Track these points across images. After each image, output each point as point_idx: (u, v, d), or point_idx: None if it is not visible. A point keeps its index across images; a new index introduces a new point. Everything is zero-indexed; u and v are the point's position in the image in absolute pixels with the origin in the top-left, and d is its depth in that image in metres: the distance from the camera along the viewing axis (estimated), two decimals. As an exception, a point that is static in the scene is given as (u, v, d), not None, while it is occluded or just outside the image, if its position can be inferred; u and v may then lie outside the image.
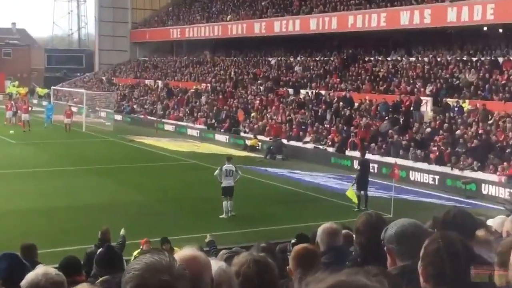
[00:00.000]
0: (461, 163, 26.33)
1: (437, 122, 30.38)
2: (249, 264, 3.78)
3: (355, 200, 21.14)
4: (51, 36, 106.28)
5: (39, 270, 3.79)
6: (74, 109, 56.13)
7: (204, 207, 21.37)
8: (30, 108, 47.30)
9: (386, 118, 33.19)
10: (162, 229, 16.67)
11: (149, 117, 51.23)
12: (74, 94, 64.18)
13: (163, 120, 49.49)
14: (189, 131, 44.97)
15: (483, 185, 24.24)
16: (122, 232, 13.29)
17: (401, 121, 32.35)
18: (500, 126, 27.83)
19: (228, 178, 20.26)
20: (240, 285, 3.66)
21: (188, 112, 48.87)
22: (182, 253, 3.07)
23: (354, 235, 4.51)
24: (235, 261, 3.87)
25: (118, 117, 53.28)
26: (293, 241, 6.38)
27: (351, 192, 21.24)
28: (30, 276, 3.73)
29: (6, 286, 4.52)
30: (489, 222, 11.65)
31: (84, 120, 47.59)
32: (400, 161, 27.14)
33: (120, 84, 66.36)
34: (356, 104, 36.74)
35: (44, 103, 66.71)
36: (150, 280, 2.15)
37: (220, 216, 19.99)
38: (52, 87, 63.27)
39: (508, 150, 25.58)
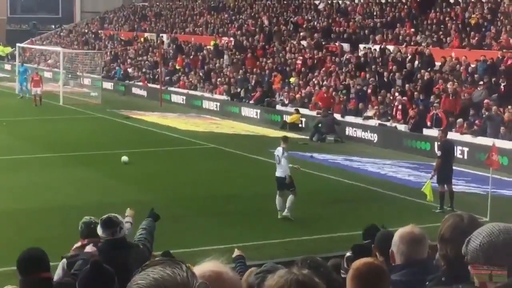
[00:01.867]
0: None
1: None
2: (289, 286, 3.92)
3: (431, 198, 21.18)
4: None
5: None
6: (47, 74, 56.78)
7: (231, 207, 21.49)
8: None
9: (481, 83, 33.00)
10: (181, 239, 16.98)
11: (150, 85, 51.45)
12: (47, 53, 64.79)
13: (170, 88, 49.66)
14: (206, 104, 45.18)
15: None
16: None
17: (502, 87, 32.14)
18: None
19: (278, 165, 20.58)
20: None
21: (204, 77, 49.01)
22: (203, 267, 3.25)
23: (438, 246, 4.57)
24: (270, 283, 4.00)
25: (108, 85, 53.71)
26: (348, 254, 6.46)
27: (429, 187, 21.25)
28: None
29: None
30: None
31: (62, 90, 47.93)
32: (500, 143, 27.05)
33: (110, 40, 66.61)
34: (438, 64, 36.53)
35: (7, 66, 67.49)
36: None
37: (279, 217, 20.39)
38: (18, 44, 63.79)
39: None
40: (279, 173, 20.53)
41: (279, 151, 20.72)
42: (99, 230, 8.18)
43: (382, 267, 4.32)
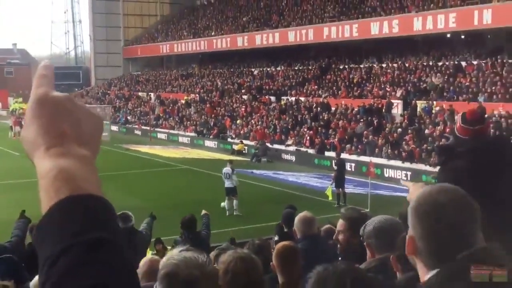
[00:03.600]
0: (431, 159, 26.47)
1: (407, 123, 30.55)
2: (236, 261, 3.77)
3: (333, 198, 21.22)
4: (49, 54, 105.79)
5: None
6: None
7: (200, 209, 21.17)
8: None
9: (361, 120, 33.27)
10: (161, 231, 16.53)
11: (143, 127, 51.05)
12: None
13: (156, 129, 49.32)
14: (180, 139, 44.84)
15: (451, 179, 24.33)
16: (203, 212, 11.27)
17: (375, 123, 32.44)
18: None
19: (226, 180, 20.39)
20: (229, 282, 3.65)
21: (179, 121, 48.73)
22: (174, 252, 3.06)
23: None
24: (222, 259, 3.85)
25: (114, 127, 53.02)
26: (276, 238, 6.33)
27: (330, 191, 21.28)
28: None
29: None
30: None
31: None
32: (375, 160, 27.21)
33: (115, 97, 66.00)
34: (333, 109, 36.80)
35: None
36: (182, 271, 2.27)
37: (221, 204, 20.38)
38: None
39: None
40: (227, 184, 20.37)
41: (227, 169, 20.60)
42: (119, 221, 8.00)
43: (295, 247, 4.21)
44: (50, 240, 0.89)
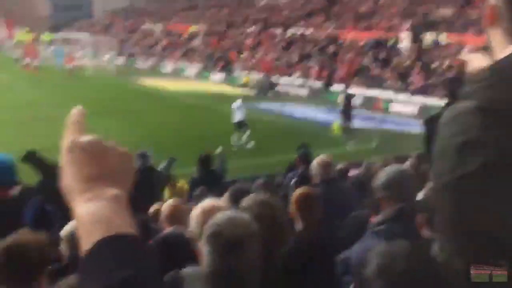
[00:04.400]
0: (438, 93, 26.28)
1: (415, 56, 30.17)
2: (258, 205, 3.81)
3: (340, 132, 21.20)
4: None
5: None
6: (78, 53, 55.54)
7: (207, 144, 21.16)
8: (35, 52, 46.44)
9: (369, 53, 32.86)
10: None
11: (148, 60, 50.59)
12: (78, 39, 63.14)
13: (162, 62, 48.89)
14: (187, 72, 44.50)
15: (458, 113, 24.17)
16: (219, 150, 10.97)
17: (383, 56, 32.06)
18: (473, 58, 27.61)
19: (237, 113, 20.61)
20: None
21: (185, 53, 48.25)
22: (203, 203, 3.08)
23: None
24: (245, 203, 3.90)
25: (120, 60, 52.60)
26: (293, 180, 6.28)
27: (337, 125, 21.22)
28: (70, 226, 3.69)
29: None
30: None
31: (89, 64, 46.94)
32: (382, 94, 27.09)
33: (119, 29, 65.16)
34: (340, 41, 36.29)
35: (51, 47, 65.88)
36: (226, 230, 2.32)
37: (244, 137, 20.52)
38: (58, 34, 62.09)
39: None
40: (237, 118, 20.38)
41: (237, 104, 20.58)
42: (136, 159, 8.00)
43: (314, 193, 4.20)
44: (88, 281, 0.99)
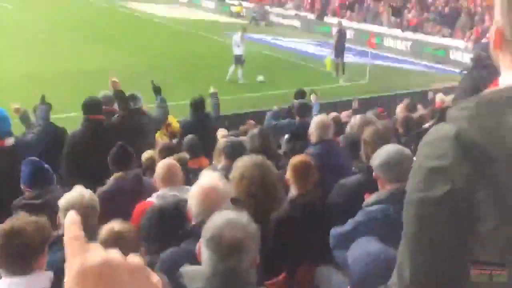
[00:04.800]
0: (431, 29, 26.03)
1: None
2: (252, 167, 3.84)
3: (331, 68, 21.07)
4: None
5: (77, 191, 3.73)
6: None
7: (197, 73, 20.99)
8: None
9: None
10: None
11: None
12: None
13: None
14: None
15: (451, 51, 24.09)
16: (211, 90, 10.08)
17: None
18: (469, -7, 27.26)
19: (236, 47, 20.08)
20: (246, 186, 3.75)
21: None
22: (203, 182, 3.07)
23: (362, 146, 4.46)
24: (239, 164, 3.92)
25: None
26: (286, 136, 6.25)
27: (329, 60, 21.06)
28: (69, 196, 3.69)
29: (31, 189, 4.50)
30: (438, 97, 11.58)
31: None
32: (375, 28, 26.79)
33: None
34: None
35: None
36: (226, 234, 2.32)
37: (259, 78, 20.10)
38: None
39: (476, 17, 25.21)
40: (237, 51, 20.08)
41: (237, 36, 20.27)
42: (124, 101, 7.78)
43: (310, 162, 4.20)
44: None
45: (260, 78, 19.99)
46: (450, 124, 1.41)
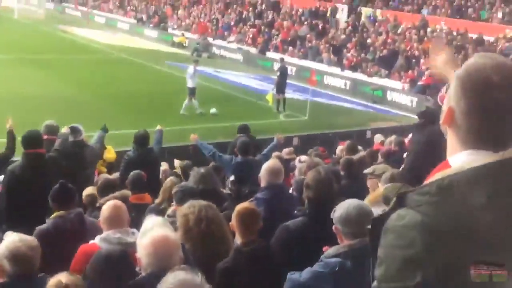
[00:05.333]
0: (370, 70, 26.74)
1: (351, 30, 30.46)
2: (199, 213, 3.88)
3: (272, 103, 21.27)
4: None
5: (15, 237, 3.57)
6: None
7: (136, 102, 20.79)
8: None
9: (306, 22, 32.92)
10: (97, 124, 15.76)
11: (80, 7, 48.88)
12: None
13: (94, 11, 47.32)
14: (120, 24, 43.26)
15: (388, 91, 24.75)
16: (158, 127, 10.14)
17: (319, 27, 32.19)
18: (406, 37, 28.19)
19: (190, 79, 20.18)
20: (194, 233, 3.78)
21: (119, 4, 46.87)
22: (154, 233, 3.01)
23: (304, 190, 4.51)
24: (185, 211, 3.96)
25: (50, 5, 50.56)
26: (231, 178, 6.26)
27: (270, 96, 21.26)
28: (7, 244, 3.51)
29: None
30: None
31: (16, 7, 44.85)
32: (316, 65, 27.30)
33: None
34: (280, 7, 36.14)
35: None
36: None
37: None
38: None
39: (413, 60, 26.05)
40: (191, 84, 20.07)
41: (191, 69, 20.36)
42: (67, 133, 7.70)
43: (256, 210, 4.21)
44: None
45: (213, 110, 19.98)
46: (413, 210, 1.44)
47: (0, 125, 14.82)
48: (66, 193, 5.01)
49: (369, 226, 1.57)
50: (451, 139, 1.62)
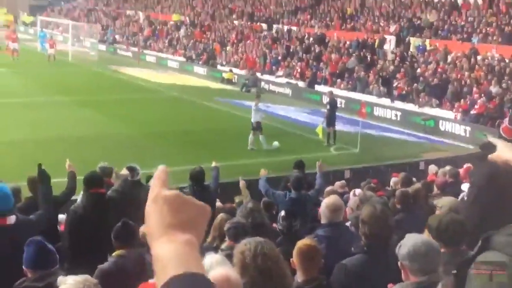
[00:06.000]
0: (421, 100, 26.48)
1: (399, 60, 30.31)
2: (255, 252, 3.84)
3: (322, 137, 21.24)
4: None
5: (79, 278, 3.67)
6: (60, 38, 54.87)
7: (190, 139, 21.10)
8: (16, 36, 45.43)
9: (353, 55, 32.96)
10: (151, 162, 16.11)
11: (131, 48, 50.18)
12: (59, 23, 62.38)
13: (145, 51, 48.50)
14: (170, 63, 44.21)
15: (440, 121, 24.43)
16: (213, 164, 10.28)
17: (367, 58, 32.17)
18: (457, 66, 27.88)
19: (254, 113, 20.52)
20: (253, 272, 3.75)
21: (168, 43, 47.93)
22: (215, 272, 3.04)
23: (360, 226, 4.49)
24: (241, 250, 3.92)
25: (102, 47, 52.09)
26: (282, 214, 6.25)
27: (320, 129, 21.26)
28: (70, 283, 3.62)
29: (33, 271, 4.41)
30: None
31: (70, 50, 46.38)
32: (365, 97, 27.22)
33: (103, 15, 64.38)
34: (327, 40, 36.31)
35: (31, 31, 64.99)
36: None
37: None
38: (38, 16, 61.23)
39: (464, 89, 25.70)
40: (253, 119, 20.35)
41: (252, 104, 20.87)
42: (126, 174, 7.87)
43: (317, 247, 4.20)
44: None
45: (276, 143, 20.09)
46: (500, 253, 1.43)
47: (58, 165, 15.38)
48: (128, 231, 5.12)
49: (455, 271, 1.56)
50: None
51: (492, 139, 2.89)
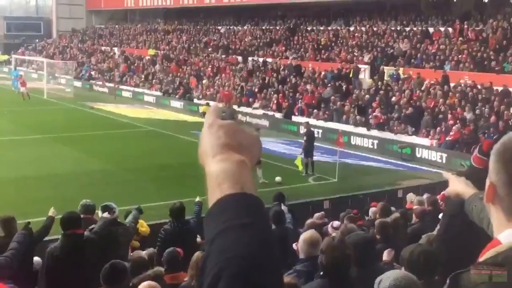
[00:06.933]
0: (396, 128, 26.74)
1: (374, 89, 30.68)
2: None
3: (301, 168, 21.30)
4: (9, 2, 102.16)
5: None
6: (34, 75, 54.66)
7: (168, 174, 21.04)
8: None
9: (329, 85, 33.27)
10: (130, 198, 16.07)
11: (107, 84, 50.11)
12: (33, 60, 62.15)
13: (121, 86, 48.46)
14: (146, 98, 44.21)
15: (417, 149, 24.66)
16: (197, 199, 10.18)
17: (343, 88, 32.48)
18: (431, 93, 28.28)
19: None
20: None
21: (144, 78, 48.00)
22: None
23: (319, 256, 4.58)
24: None
25: (78, 83, 51.97)
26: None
27: (300, 160, 21.33)
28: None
29: None
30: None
31: (46, 87, 46.16)
32: (342, 127, 27.41)
33: (78, 51, 64.38)
34: (302, 71, 36.64)
35: (5, 69, 64.62)
36: None
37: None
38: (13, 55, 61.00)
39: (440, 116, 26.02)
40: None
41: None
42: (101, 211, 7.79)
43: (295, 284, 4.21)
44: (211, 226, 1.19)
45: (278, 179, 19.97)
46: None
47: (37, 204, 15.25)
48: (116, 273, 5.04)
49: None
50: (497, 215, 1.65)
51: (444, 173, 2.97)
